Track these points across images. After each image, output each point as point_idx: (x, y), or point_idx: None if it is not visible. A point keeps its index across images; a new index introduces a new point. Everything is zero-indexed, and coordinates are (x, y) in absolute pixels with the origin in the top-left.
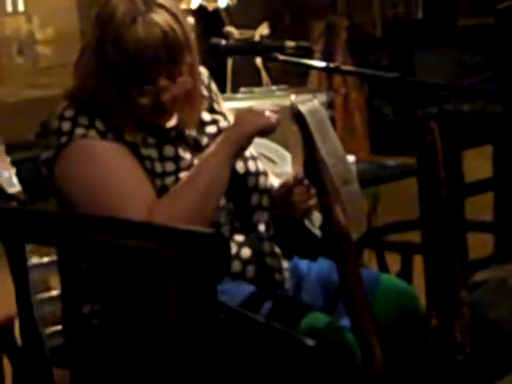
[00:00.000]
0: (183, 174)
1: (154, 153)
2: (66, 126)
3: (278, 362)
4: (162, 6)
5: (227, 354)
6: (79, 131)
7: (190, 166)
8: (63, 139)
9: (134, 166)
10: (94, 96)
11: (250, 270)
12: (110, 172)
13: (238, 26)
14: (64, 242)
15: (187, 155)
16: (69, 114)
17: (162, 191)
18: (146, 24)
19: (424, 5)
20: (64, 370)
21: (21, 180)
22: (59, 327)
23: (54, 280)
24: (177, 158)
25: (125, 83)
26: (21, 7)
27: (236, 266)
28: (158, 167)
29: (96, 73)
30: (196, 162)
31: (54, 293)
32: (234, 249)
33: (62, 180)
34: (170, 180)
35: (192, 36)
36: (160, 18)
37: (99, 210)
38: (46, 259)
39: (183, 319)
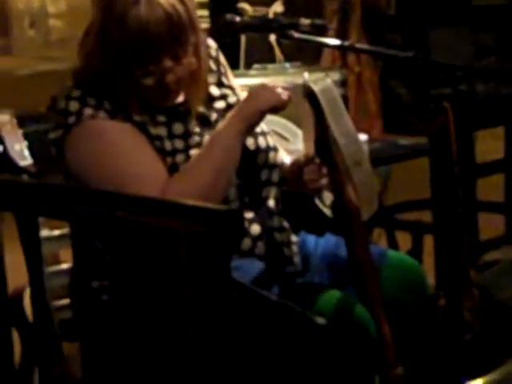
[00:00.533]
0: (194, 152)
1: (163, 131)
2: (74, 106)
3: (290, 340)
4: None
5: (239, 332)
6: (88, 111)
7: (199, 143)
8: (71, 119)
9: (145, 145)
10: (99, 77)
11: (260, 246)
12: (121, 151)
13: (252, 3)
14: (77, 216)
15: (196, 131)
16: (76, 93)
17: (173, 169)
18: (149, 4)
19: None
20: (72, 343)
21: (32, 153)
22: (68, 301)
23: (64, 253)
24: (186, 135)
25: (129, 64)
26: None
27: (246, 242)
28: (168, 145)
29: (100, 54)
30: (206, 138)
31: (64, 266)
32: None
33: (73, 161)
34: (180, 158)
35: (196, 16)
36: None
37: (113, 188)
38: (56, 232)
39: (196, 296)
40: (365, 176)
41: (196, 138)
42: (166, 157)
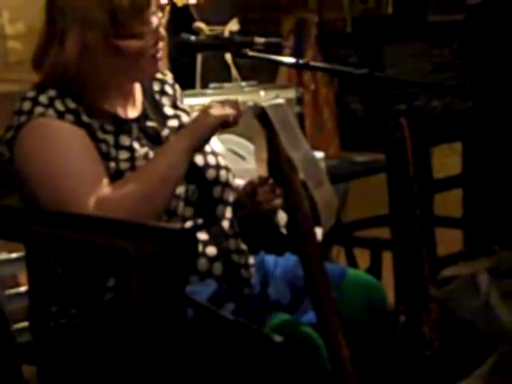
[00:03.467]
0: (139, 162)
1: (110, 138)
2: (27, 105)
3: (246, 359)
4: None
5: (195, 351)
6: (38, 110)
7: (146, 156)
8: (22, 118)
9: (88, 149)
10: (77, 75)
11: (217, 267)
12: (63, 152)
13: (207, 22)
14: (32, 238)
15: (144, 148)
16: (30, 94)
17: (116, 176)
18: None
19: (394, 0)
20: (32, 366)
21: None
22: (27, 323)
23: (23, 276)
24: (132, 148)
25: (124, 35)
26: None
27: (203, 263)
28: (113, 152)
29: (90, 48)
30: (153, 152)
31: (23, 289)
32: (199, 247)
33: (19, 158)
34: (124, 166)
35: None
36: None
37: (49, 189)
38: (14, 255)
39: (150, 316)
40: (326, 196)
41: (143, 151)
42: (110, 162)
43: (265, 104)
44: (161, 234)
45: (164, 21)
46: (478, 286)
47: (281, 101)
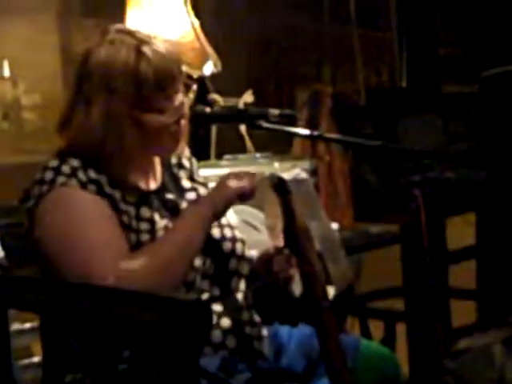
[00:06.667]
0: (159, 234)
1: (131, 210)
2: (49, 175)
3: None
4: (148, 37)
5: None
6: (60, 179)
7: (166, 229)
8: (44, 188)
9: (110, 220)
10: (102, 144)
11: (231, 339)
12: (85, 222)
13: (222, 94)
14: (46, 308)
15: (164, 219)
16: (53, 164)
17: (137, 247)
18: (150, 49)
19: (408, 72)
20: None
21: (4, 246)
22: None
23: (36, 346)
24: (152, 221)
25: (146, 108)
26: (6, 72)
27: (217, 335)
28: (134, 224)
29: (114, 117)
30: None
31: (36, 359)
32: (214, 319)
33: (39, 227)
34: (145, 237)
35: None
36: (155, 43)
37: (69, 260)
38: (27, 325)
39: None
40: (342, 272)
41: (163, 222)
42: (131, 233)
43: (288, 177)
44: (176, 304)
45: (189, 99)
46: (492, 357)
47: (304, 175)
